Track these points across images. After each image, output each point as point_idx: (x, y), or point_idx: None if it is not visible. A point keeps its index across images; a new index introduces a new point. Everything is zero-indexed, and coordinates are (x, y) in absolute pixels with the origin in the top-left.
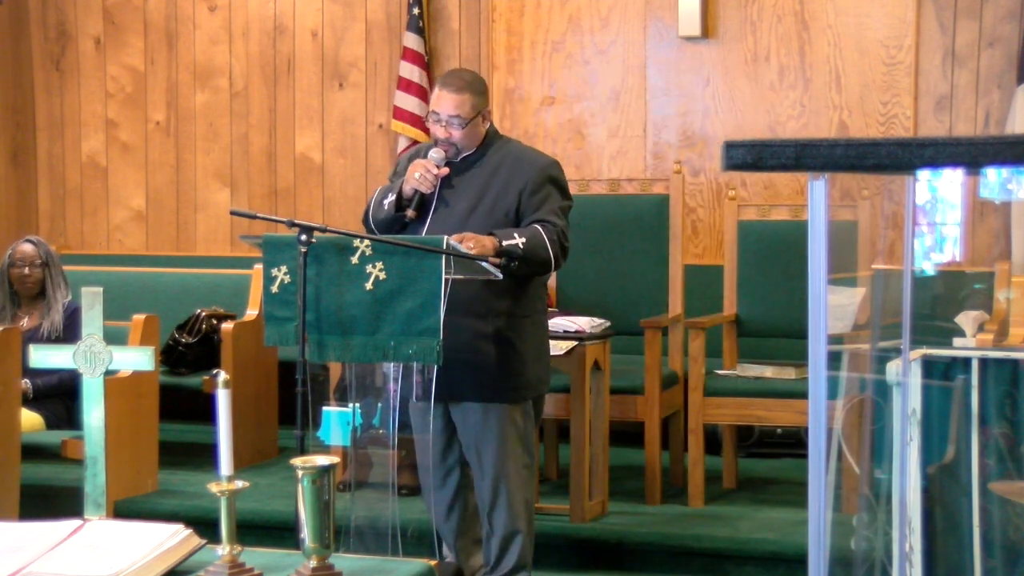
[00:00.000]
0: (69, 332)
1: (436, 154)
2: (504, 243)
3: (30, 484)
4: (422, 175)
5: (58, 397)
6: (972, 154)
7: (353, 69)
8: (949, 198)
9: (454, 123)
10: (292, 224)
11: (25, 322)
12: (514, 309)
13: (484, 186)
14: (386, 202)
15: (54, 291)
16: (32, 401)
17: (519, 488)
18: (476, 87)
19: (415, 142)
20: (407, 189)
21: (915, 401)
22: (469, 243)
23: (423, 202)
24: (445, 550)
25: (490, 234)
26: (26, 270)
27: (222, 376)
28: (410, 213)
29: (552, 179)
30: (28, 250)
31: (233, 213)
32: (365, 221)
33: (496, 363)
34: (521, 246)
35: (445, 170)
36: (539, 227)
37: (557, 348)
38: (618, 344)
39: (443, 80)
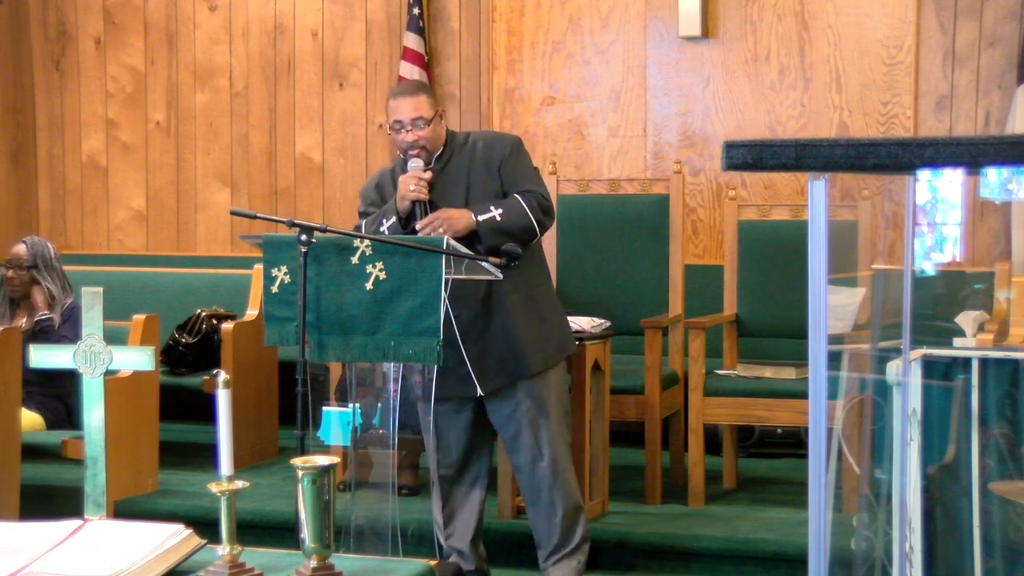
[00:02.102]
0: (68, 332)
1: (415, 163)
2: (479, 217)
3: (30, 484)
4: (416, 185)
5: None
6: (972, 154)
7: (353, 69)
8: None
9: (419, 124)
10: (292, 224)
11: (24, 322)
12: (520, 286)
13: (467, 177)
14: (384, 228)
15: (40, 293)
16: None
17: (570, 462)
18: (427, 88)
19: None
20: (404, 205)
21: (915, 401)
22: (442, 223)
23: (415, 212)
24: (451, 546)
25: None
26: (10, 272)
27: (222, 376)
28: (420, 226)
29: (519, 147)
30: (17, 252)
31: (233, 213)
32: None
33: (521, 344)
34: (498, 217)
35: (430, 173)
36: (517, 196)
37: None
38: (618, 344)
39: (394, 91)
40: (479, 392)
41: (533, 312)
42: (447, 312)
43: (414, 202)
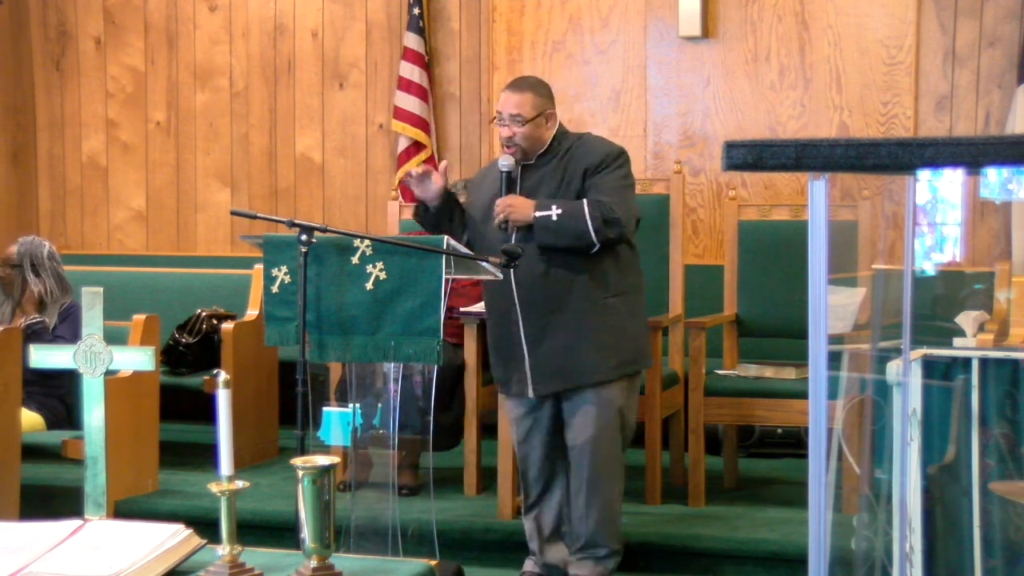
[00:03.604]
0: (64, 331)
1: (505, 161)
2: (537, 212)
3: (30, 484)
4: (416, 174)
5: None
6: (972, 154)
7: (353, 69)
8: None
9: (517, 120)
10: (292, 224)
11: (22, 322)
12: (593, 293)
13: (561, 176)
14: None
15: (26, 293)
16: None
17: (620, 475)
18: (538, 89)
19: (416, 142)
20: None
21: (915, 401)
22: (505, 208)
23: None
24: (534, 547)
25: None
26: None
27: (222, 376)
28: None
29: (616, 159)
30: (8, 251)
31: (233, 213)
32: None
33: (583, 352)
34: (555, 216)
35: (421, 168)
36: (585, 201)
37: None
38: None
39: (508, 84)
40: (531, 394)
41: (605, 320)
42: (515, 311)
43: (501, 175)
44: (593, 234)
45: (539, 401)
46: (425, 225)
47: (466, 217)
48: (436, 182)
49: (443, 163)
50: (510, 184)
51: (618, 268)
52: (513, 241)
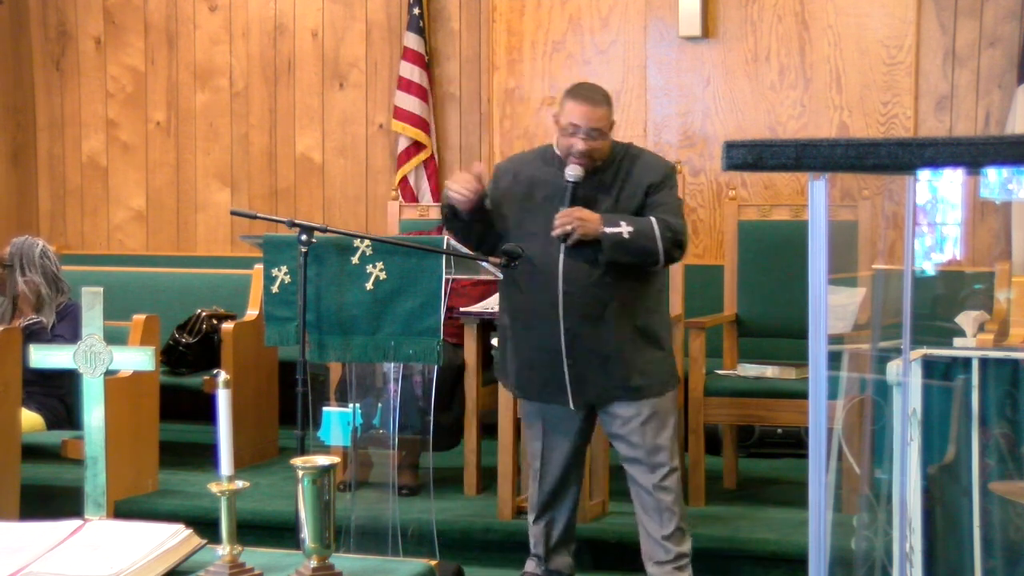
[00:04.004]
0: (63, 330)
1: (573, 172)
2: (606, 228)
3: (30, 484)
4: (457, 192)
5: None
6: (972, 154)
7: (353, 69)
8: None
9: (594, 135)
10: (292, 224)
11: (21, 323)
12: (648, 304)
13: (618, 190)
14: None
15: (19, 293)
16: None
17: (677, 483)
18: (610, 99)
19: (416, 142)
20: (446, 200)
21: (915, 401)
22: (573, 221)
23: (573, 194)
24: (536, 549)
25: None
26: None
27: (222, 376)
28: (559, 215)
29: (672, 178)
30: (2, 252)
31: (233, 213)
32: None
33: (625, 367)
34: (626, 234)
35: (477, 186)
36: (653, 219)
37: None
38: None
39: (577, 93)
40: (571, 406)
41: (646, 337)
42: (558, 317)
43: (568, 185)
44: (662, 255)
45: (575, 410)
46: (455, 231)
47: (492, 214)
48: (478, 190)
49: (478, 165)
50: (575, 195)
51: (658, 282)
52: (564, 251)
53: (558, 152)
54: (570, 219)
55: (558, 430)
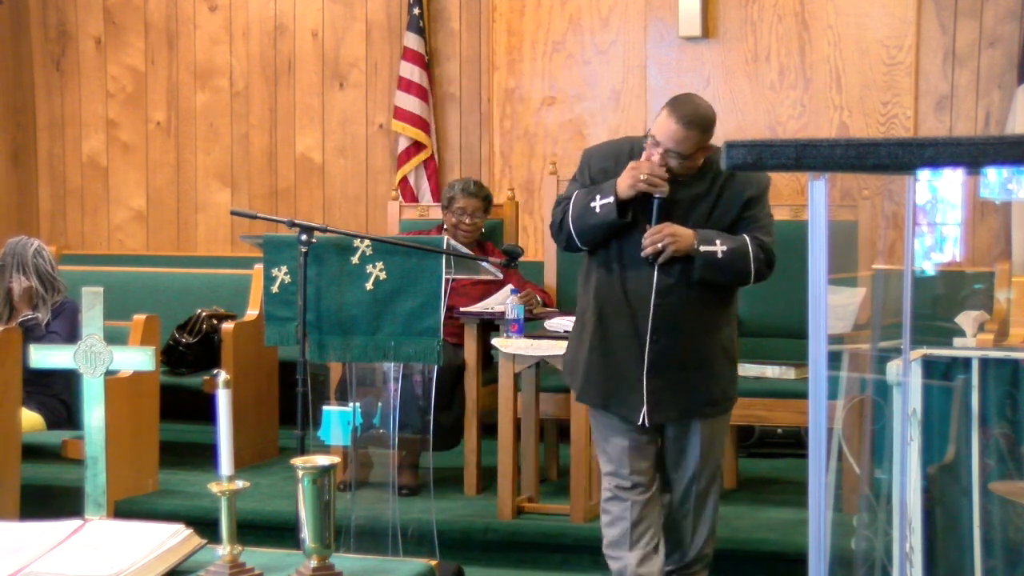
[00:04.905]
0: (57, 328)
1: (661, 190)
2: (701, 248)
3: (30, 484)
4: (649, 177)
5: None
6: (972, 154)
7: (353, 69)
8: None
9: (672, 156)
10: (292, 224)
11: (17, 320)
12: (731, 321)
13: (713, 201)
14: (596, 205)
15: (13, 292)
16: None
17: (715, 507)
18: (704, 126)
19: (416, 142)
20: (629, 193)
21: (915, 401)
22: (665, 239)
23: (643, 207)
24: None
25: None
26: None
27: (222, 376)
28: (649, 234)
29: (767, 193)
30: None
31: (234, 213)
32: (559, 230)
33: (707, 384)
34: (720, 253)
35: (665, 173)
36: (748, 239)
37: (557, 348)
38: None
39: (673, 108)
40: (644, 422)
41: (726, 352)
42: (646, 330)
43: (648, 195)
44: (753, 275)
45: (649, 427)
46: (601, 232)
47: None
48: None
49: (655, 148)
50: (662, 209)
51: (737, 305)
52: (657, 269)
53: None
54: (661, 236)
55: (631, 447)
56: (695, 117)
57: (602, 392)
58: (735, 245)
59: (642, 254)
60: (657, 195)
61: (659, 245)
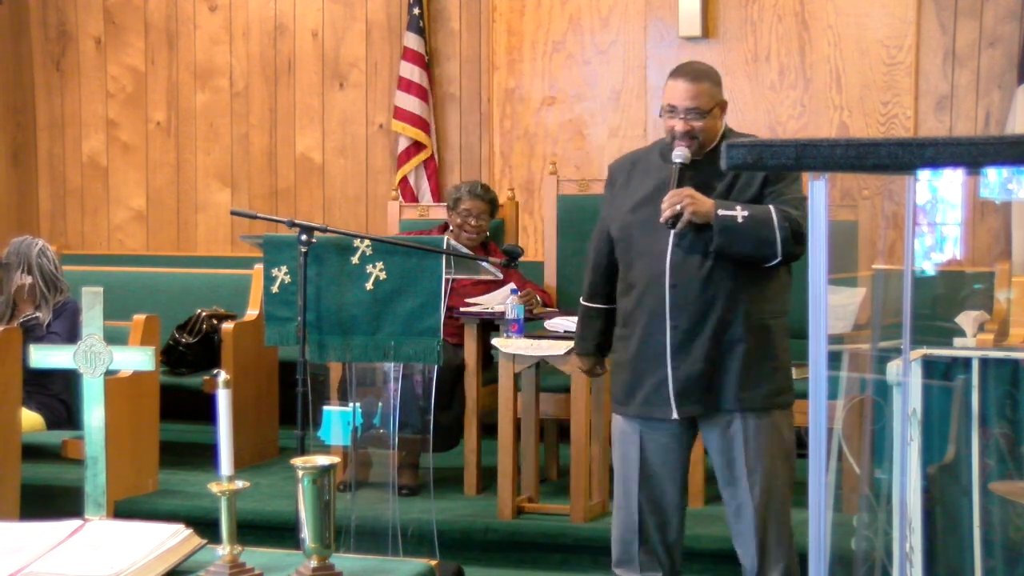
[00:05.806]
0: (58, 328)
1: (680, 152)
2: (720, 211)
3: (30, 484)
4: (671, 208)
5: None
6: (972, 154)
7: (353, 69)
8: (949, 198)
9: (692, 115)
10: (292, 224)
11: (18, 320)
12: (759, 312)
13: (731, 178)
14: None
15: (15, 291)
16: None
17: (786, 511)
18: (713, 77)
19: (416, 142)
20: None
21: (915, 401)
22: (683, 200)
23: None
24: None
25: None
26: None
27: (222, 376)
28: (668, 196)
29: (791, 173)
30: (1, 251)
31: (234, 213)
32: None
33: (738, 375)
34: (740, 218)
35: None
36: (772, 207)
37: (557, 348)
38: None
39: (676, 71)
40: (675, 415)
41: (763, 343)
42: (663, 316)
43: (675, 166)
44: (780, 244)
45: (680, 423)
46: None
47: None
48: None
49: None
50: (682, 179)
51: (779, 289)
52: (671, 244)
53: (667, 140)
54: (679, 198)
55: (662, 447)
56: (702, 69)
57: (626, 386)
58: (755, 211)
59: (661, 219)
60: (677, 159)
61: (678, 207)
